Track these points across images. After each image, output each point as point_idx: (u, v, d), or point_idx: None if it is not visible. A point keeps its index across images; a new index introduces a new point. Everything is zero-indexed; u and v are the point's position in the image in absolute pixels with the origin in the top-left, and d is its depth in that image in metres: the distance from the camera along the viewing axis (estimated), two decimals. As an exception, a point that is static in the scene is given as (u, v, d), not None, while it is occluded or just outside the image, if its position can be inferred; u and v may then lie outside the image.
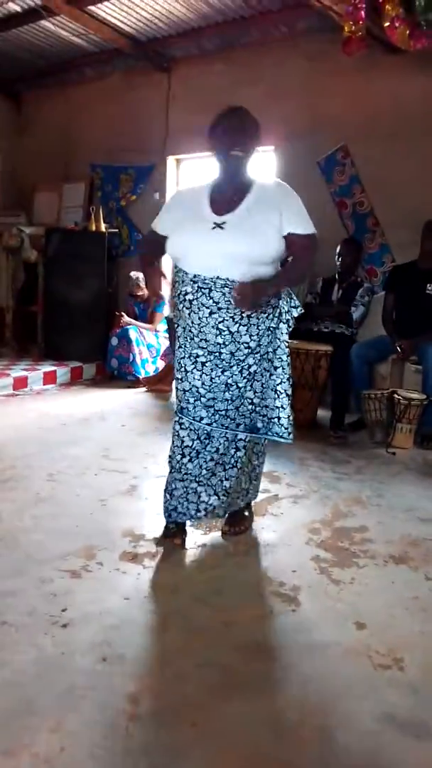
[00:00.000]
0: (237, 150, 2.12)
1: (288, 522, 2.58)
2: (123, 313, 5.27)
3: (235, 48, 5.02)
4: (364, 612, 1.93)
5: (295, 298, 2.27)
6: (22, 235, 5.68)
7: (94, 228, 5.46)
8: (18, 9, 4.91)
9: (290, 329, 2.26)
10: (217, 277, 2.10)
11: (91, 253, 5.44)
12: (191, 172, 5.68)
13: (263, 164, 5.24)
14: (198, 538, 2.40)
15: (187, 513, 2.28)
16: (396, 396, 3.74)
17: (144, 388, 5.01)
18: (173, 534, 2.32)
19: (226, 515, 2.42)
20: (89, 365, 5.40)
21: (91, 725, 1.40)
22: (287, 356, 2.25)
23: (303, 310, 2.31)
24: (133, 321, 5.24)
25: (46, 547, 2.23)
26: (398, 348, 3.93)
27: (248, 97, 4.89)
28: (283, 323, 2.22)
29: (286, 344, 2.24)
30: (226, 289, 2.09)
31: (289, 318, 2.24)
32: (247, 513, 2.51)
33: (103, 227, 5.49)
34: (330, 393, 4.12)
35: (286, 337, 2.24)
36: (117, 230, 5.85)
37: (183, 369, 2.22)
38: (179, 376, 2.25)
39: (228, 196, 2.16)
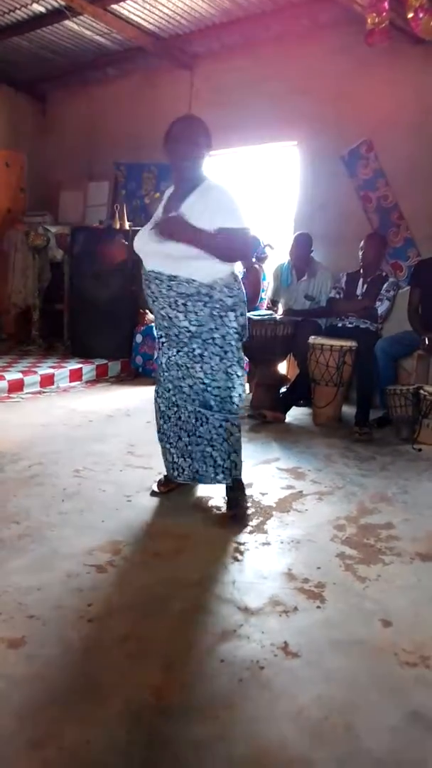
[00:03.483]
0: (185, 159, 2.38)
1: (313, 518, 2.57)
2: (147, 311, 5.30)
3: (257, 43, 5.00)
4: (390, 609, 1.91)
5: (244, 310, 2.46)
6: (47, 234, 5.75)
7: (118, 226, 5.50)
8: (42, 10, 4.97)
9: (242, 336, 2.48)
10: (152, 270, 2.39)
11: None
12: (214, 168, 5.66)
13: (285, 159, 5.21)
14: (220, 535, 2.40)
15: (169, 472, 2.68)
16: (422, 392, 3.69)
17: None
18: (161, 483, 2.76)
19: (229, 504, 2.59)
20: (114, 363, 5.45)
21: (117, 719, 1.42)
22: (237, 341, 2.46)
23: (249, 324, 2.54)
24: (157, 318, 5.26)
25: (72, 542, 2.26)
26: (424, 343, 3.89)
27: (270, 91, 4.92)
28: (231, 311, 2.41)
29: (235, 331, 2.44)
30: (157, 281, 2.37)
31: (240, 312, 2.43)
32: (239, 492, 2.61)
33: (127, 225, 5.52)
34: (355, 389, 4.09)
35: (235, 324, 2.43)
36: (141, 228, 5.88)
37: (158, 347, 2.58)
38: (156, 354, 2.59)
39: (177, 197, 2.43)
